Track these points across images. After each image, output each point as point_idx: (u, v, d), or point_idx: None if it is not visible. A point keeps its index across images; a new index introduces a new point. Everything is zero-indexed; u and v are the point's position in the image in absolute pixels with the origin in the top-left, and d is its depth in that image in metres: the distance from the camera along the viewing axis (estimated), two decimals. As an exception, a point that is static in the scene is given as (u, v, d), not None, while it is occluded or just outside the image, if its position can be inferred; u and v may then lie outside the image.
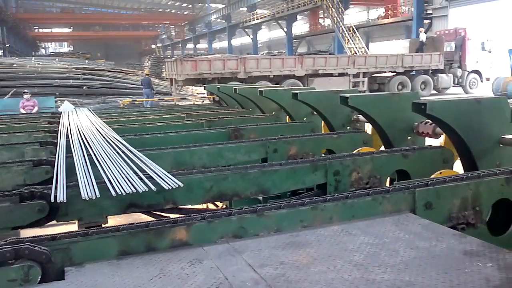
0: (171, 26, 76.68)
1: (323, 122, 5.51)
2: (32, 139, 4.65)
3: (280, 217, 2.28)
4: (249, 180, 3.10)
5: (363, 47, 32.05)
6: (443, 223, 2.44)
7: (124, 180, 2.74)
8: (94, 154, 3.49)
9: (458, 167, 3.76)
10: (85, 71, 23.30)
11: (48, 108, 14.89)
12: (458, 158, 3.78)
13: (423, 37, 26.01)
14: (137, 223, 2.12)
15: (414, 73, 24.84)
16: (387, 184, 3.55)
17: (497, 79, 22.12)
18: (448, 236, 2.10)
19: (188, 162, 3.83)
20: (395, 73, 24.32)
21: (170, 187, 2.69)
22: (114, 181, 2.73)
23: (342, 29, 33.21)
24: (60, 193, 2.59)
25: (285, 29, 45.50)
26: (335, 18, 34.13)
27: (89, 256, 1.97)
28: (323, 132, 5.42)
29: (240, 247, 2.05)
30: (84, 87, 21.67)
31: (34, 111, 12.84)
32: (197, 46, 69.29)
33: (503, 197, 2.65)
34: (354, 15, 48.46)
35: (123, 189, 2.59)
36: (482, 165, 3.51)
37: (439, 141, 4.21)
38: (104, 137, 4.17)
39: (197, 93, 24.60)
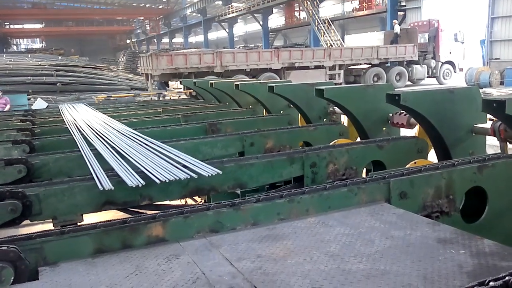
0: (145, 21, 75.65)
1: (299, 114, 5.53)
2: (4, 137, 4.56)
3: (257, 210, 2.28)
4: (226, 174, 3.09)
5: (339, 40, 32.25)
6: (417, 212, 2.48)
7: (162, 169, 2.79)
8: (117, 146, 3.54)
9: (432, 156, 3.82)
10: (58, 67, 22.84)
11: (21, 105, 14.61)
12: (432, 147, 3.84)
13: (397, 29, 26.27)
14: (112, 221, 2.09)
15: (389, 64, 25.12)
16: (363, 175, 3.58)
17: (470, 69, 22.58)
18: (422, 225, 2.13)
19: (164, 158, 3.80)
20: (370, 65, 24.54)
21: (209, 175, 2.76)
22: (152, 170, 2.77)
23: (317, 22, 33.32)
24: (104, 182, 2.65)
25: (261, 23, 45.41)
26: (310, 11, 34.22)
27: (63, 255, 1.94)
28: (299, 124, 5.44)
29: (217, 241, 2.05)
30: (58, 84, 21.26)
31: (6, 109, 12.55)
32: (173, 40, 68.63)
33: (475, 185, 2.70)
34: (329, 8, 48.56)
35: (165, 177, 2.64)
36: (455, 154, 3.57)
37: (414, 131, 4.26)
38: (118, 130, 4.26)
39: (173, 88, 24.38)
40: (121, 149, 3.43)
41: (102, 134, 4.11)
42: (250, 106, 6.69)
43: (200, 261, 1.84)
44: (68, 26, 69.40)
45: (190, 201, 4.58)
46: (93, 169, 3.00)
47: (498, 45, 25.63)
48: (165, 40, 70.96)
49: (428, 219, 2.29)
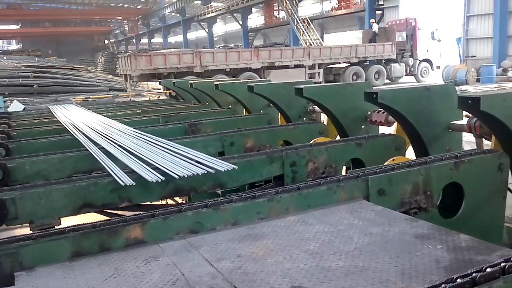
0: (124, 21, 75.03)
1: (279, 114, 5.54)
2: (-22, 141, 4.46)
3: (237, 210, 2.28)
4: (206, 174, 3.07)
5: (318, 39, 32.40)
6: (395, 208, 2.50)
7: (177, 165, 2.82)
8: (125, 145, 3.57)
9: (410, 153, 3.86)
10: (35, 69, 22.53)
11: (-3, 108, 14.33)
12: (410, 145, 3.88)
13: (375, 27, 26.52)
14: (89, 223, 2.06)
15: (367, 63, 25.33)
16: (343, 173, 3.60)
17: (447, 67, 22.91)
18: (400, 221, 2.15)
19: (143, 159, 3.78)
20: (349, 64, 24.71)
21: (225, 170, 2.79)
22: (169, 166, 2.80)
23: (296, 21, 33.44)
24: (123, 178, 2.69)
25: (241, 22, 45.43)
26: (289, 10, 34.34)
27: (40, 260, 1.90)
28: (279, 123, 5.45)
29: (197, 242, 2.04)
30: (35, 86, 20.96)
31: (-19, 112, 12.32)
32: (152, 40, 68.15)
33: (452, 180, 2.74)
34: (308, 7, 48.75)
35: (183, 173, 2.68)
36: (433, 150, 3.61)
37: (392, 129, 4.31)
38: (119, 129, 4.30)
39: (152, 89, 24.23)
40: (129, 148, 3.45)
41: (106, 133, 4.14)
42: (230, 106, 6.68)
43: (179, 262, 1.83)
44: (45, 27, 68.41)
45: (171, 202, 4.55)
46: (108, 166, 3.02)
47: (474, 43, 26.08)
48: (144, 40, 70.46)
49: (406, 215, 2.32)
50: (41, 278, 1.77)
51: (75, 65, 30.04)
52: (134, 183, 2.66)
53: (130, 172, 2.86)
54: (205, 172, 2.74)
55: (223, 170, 2.80)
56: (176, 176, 2.67)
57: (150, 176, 2.68)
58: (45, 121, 6.16)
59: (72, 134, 4.54)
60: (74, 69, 25.53)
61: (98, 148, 3.67)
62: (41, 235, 1.95)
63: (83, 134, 4.35)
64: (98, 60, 41.51)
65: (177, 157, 3.06)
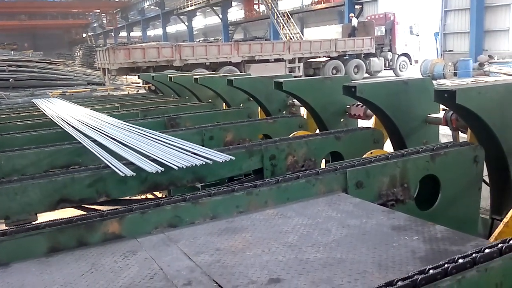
0: (102, 14, 73.95)
1: (259, 107, 5.54)
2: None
3: (216, 203, 2.27)
4: (185, 168, 3.06)
5: (298, 33, 32.42)
6: (373, 200, 2.53)
7: (175, 157, 2.84)
8: (118, 137, 3.57)
9: (388, 146, 3.90)
10: (11, 62, 22.09)
11: (-29, 102, 14.01)
12: (388, 138, 3.92)
13: (354, 22, 26.64)
14: (66, 218, 2.04)
15: (347, 57, 25.45)
16: (322, 166, 3.62)
17: (425, 61, 23.19)
18: (377, 213, 2.18)
19: (122, 153, 3.74)
20: (329, 58, 24.80)
21: (223, 161, 2.82)
22: (166, 158, 2.82)
23: (276, 15, 33.41)
24: (123, 169, 2.69)
25: (221, 16, 45.18)
26: (269, 4, 34.28)
27: (16, 256, 1.88)
28: (259, 117, 5.45)
29: (176, 236, 2.03)
30: (11, 80, 20.55)
31: (-45, 106, 12.02)
32: (131, 34, 67.40)
33: (429, 173, 2.78)
34: (288, 1, 48.66)
35: (182, 163, 2.70)
36: (410, 143, 3.66)
37: (370, 122, 4.35)
38: (110, 123, 4.29)
39: (131, 83, 23.98)
40: (124, 140, 3.44)
41: (97, 126, 4.12)
42: (210, 100, 6.66)
43: (157, 256, 1.82)
44: (21, 19, 66.97)
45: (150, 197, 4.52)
46: (105, 158, 3.02)
47: (451, 38, 26.43)
48: (123, 33, 69.65)
49: (383, 207, 2.34)
50: (17, 274, 1.74)
51: (52, 58, 29.54)
52: (134, 174, 2.67)
53: (127, 164, 2.86)
54: (203, 163, 2.75)
55: (221, 161, 2.83)
56: (176, 167, 2.69)
57: (150, 167, 2.69)
58: (22, 115, 6.06)
59: (54, 128, 4.52)
60: (51, 62, 25.10)
61: (91, 140, 3.66)
62: (16, 230, 1.92)
63: (72, 126, 4.33)
64: (76, 53, 40.85)
65: (173, 149, 3.07)
